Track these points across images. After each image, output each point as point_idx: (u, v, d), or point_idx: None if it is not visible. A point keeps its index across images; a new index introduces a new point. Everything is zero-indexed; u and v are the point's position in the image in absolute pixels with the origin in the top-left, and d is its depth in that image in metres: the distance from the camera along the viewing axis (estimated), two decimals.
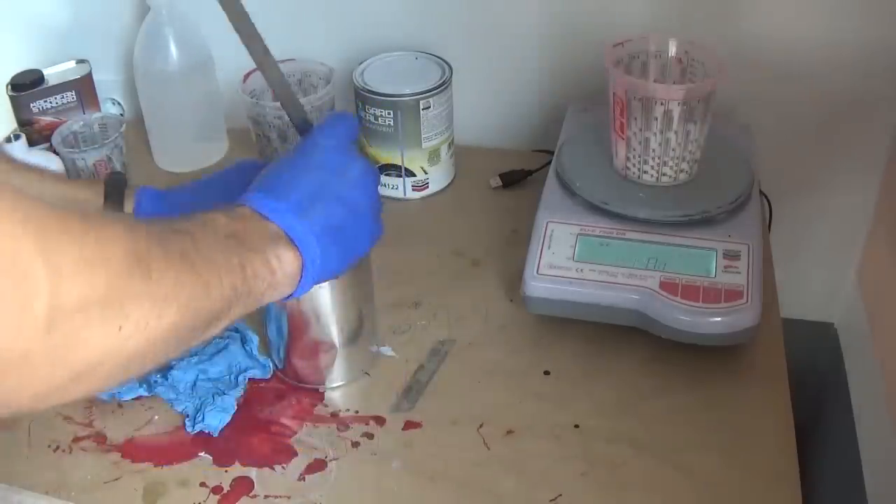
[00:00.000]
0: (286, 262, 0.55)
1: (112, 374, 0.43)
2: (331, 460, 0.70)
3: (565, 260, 0.77)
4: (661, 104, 0.76)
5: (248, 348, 0.78)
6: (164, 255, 0.45)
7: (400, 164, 0.96)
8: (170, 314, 0.44)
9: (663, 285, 0.74)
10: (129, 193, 0.71)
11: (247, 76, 0.96)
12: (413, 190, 0.98)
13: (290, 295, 0.58)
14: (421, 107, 0.93)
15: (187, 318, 0.46)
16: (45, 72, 1.02)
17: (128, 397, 0.75)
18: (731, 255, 0.76)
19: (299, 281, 0.57)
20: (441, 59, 0.97)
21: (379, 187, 0.65)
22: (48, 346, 0.37)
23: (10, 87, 1.00)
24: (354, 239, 0.61)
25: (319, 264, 0.57)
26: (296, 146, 0.63)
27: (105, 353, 0.41)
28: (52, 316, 0.37)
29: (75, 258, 0.38)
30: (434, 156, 0.97)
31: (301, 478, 0.68)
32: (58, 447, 0.72)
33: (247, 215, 0.56)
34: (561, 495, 0.66)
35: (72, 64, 1.05)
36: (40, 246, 0.37)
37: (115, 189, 0.71)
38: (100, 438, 0.72)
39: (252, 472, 0.69)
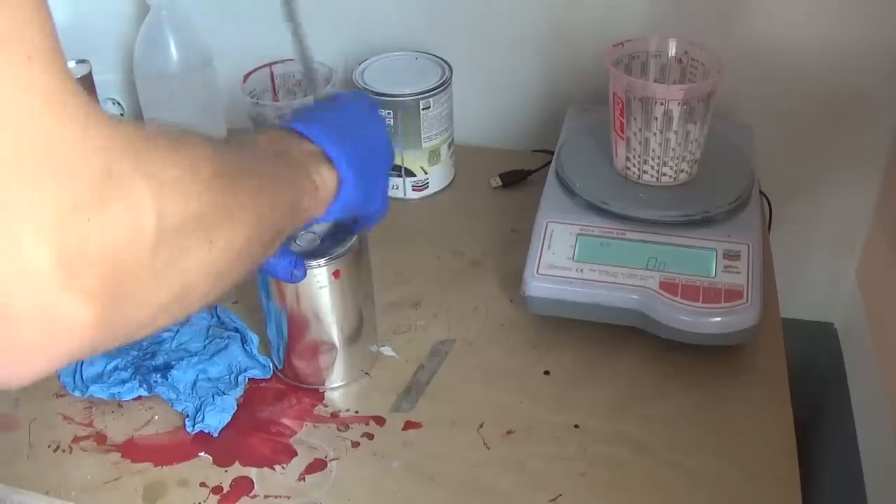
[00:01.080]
0: (326, 179, 0.58)
1: (204, 295, 0.43)
2: (331, 460, 0.70)
3: (565, 260, 0.77)
4: (661, 104, 0.76)
5: (248, 348, 0.78)
6: (241, 171, 0.46)
7: (400, 164, 0.96)
8: (247, 228, 0.45)
9: (663, 285, 0.74)
10: None
11: (247, 76, 0.96)
12: (413, 190, 0.98)
13: (318, 217, 0.59)
14: (421, 107, 0.93)
15: (260, 232, 0.47)
16: None
17: (128, 397, 0.75)
18: (731, 255, 0.76)
19: (331, 202, 0.59)
20: (441, 59, 0.97)
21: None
22: (155, 266, 0.38)
23: None
24: (375, 175, 0.63)
25: (351, 188, 0.59)
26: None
27: (200, 271, 0.41)
28: (158, 235, 0.37)
29: (171, 176, 0.39)
30: (434, 156, 0.97)
31: (301, 478, 0.68)
32: (58, 447, 0.72)
33: (285, 136, 0.58)
34: (561, 495, 0.66)
35: (72, 64, 1.04)
36: (140, 166, 0.37)
37: None
38: (100, 438, 0.72)
39: (252, 472, 0.69)
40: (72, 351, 0.36)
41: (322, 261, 0.69)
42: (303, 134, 0.58)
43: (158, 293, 0.39)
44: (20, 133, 0.32)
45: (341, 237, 0.70)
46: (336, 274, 0.70)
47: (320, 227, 0.70)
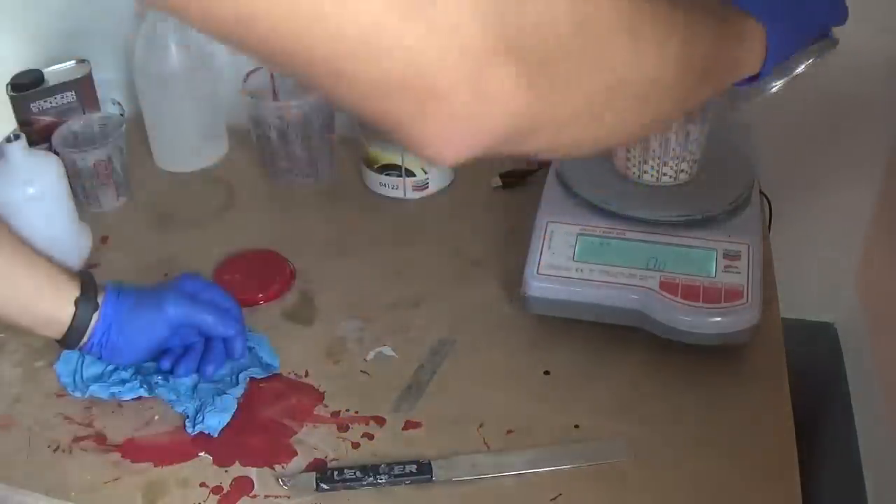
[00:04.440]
0: (754, 32, 0.54)
1: (630, 107, 0.43)
2: (331, 460, 0.70)
3: (565, 260, 0.77)
4: None
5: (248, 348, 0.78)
6: None
7: (400, 164, 0.96)
8: (674, 45, 0.44)
9: (663, 285, 0.74)
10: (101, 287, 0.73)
11: (247, 76, 0.96)
12: (413, 190, 0.98)
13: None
14: None
15: (688, 56, 0.45)
16: (45, 72, 1.02)
17: (128, 397, 0.75)
18: (731, 255, 0.76)
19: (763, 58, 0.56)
20: None
21: None
22: (579, 50, 0.39)
23: (10, 87, 1.00)
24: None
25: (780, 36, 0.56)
26: None
27: (626, 69, 0.41)
28: (579, 21, 0.38)
29: None
30: None
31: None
32: (58, 447, 0.72)
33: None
34: (561, 495, 0.66)
35: (72, 64, 1.04)
36: None
37: (90, 284, 0.72)
38: (100, 438, 0.72)
39: (252, 472, 0.69)
40: (502, 126, 0.37)
41: None
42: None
43: (583, 81, 0.39)
44: None
45: None
46: None
47: None
